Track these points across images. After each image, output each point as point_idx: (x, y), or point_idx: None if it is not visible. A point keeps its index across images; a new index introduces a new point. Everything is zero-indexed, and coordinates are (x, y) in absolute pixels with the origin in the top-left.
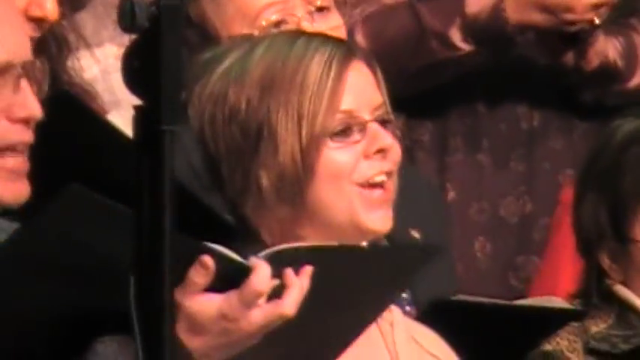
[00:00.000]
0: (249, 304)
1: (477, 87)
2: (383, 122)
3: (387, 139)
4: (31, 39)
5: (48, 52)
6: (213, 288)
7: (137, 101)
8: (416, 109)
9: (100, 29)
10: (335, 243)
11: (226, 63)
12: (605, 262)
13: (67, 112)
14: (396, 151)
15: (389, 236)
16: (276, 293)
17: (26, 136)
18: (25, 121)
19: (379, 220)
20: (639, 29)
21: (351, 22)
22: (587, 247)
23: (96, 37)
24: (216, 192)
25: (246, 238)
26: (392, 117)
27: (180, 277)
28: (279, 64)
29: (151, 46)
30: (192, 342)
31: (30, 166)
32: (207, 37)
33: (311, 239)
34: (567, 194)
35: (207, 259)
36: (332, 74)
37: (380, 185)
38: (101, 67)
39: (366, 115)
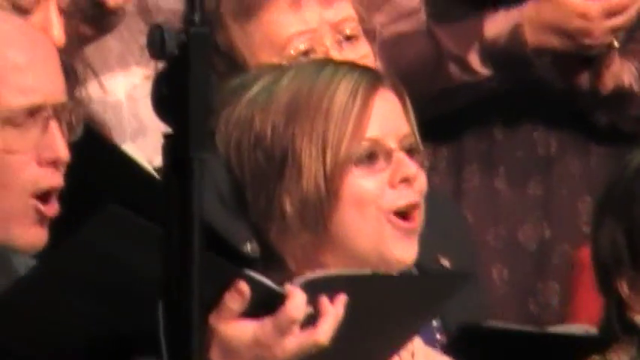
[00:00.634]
0: (283, 331)
1: (493, 112)
2: (410, 151)
3: (412, 168)
4: None
5: None
6: (247, 314)
7: (164, 128)
8: (432, 134)
9: (126, 54)
10: (367, 271)
11: (254, 90)
12: (624, 291)
13: (88, 144)
14: (421, 181)
15: (418, 264)
16: (309, 321)
17: (55, 181)
18: (54, 164)
19: (405, 249)
20: None
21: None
22: (605, 277)
23: (122, 62)
24: (242, 219)
25: (271, 265)
26: (420, 147)
27: (215, 301)
28: (305, 91)
29: (180, 74)
30: None
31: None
32: (235, 65)
33: (334, 266)
34: (584, 253)
35: (243, 285)
36: (358, 102)
37: (407, 214)
38: (127, 93)
39: (392, 144)
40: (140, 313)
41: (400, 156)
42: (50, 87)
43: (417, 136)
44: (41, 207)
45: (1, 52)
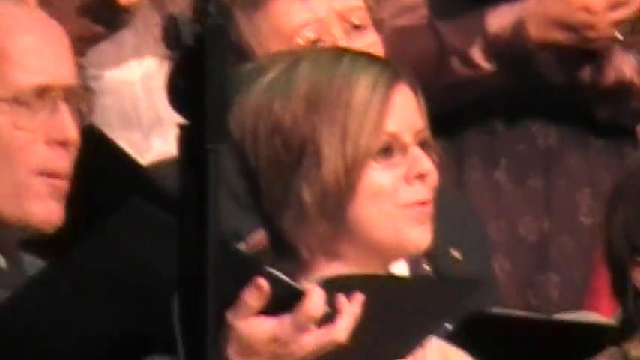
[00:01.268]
0: (301, 328)
1: (494, 105)
2: (424, 146)
3: (428, 164)
4: None
5: None
6: (265, 311)
7: (180, 119)
8: (432, 128)
9: (141, 47)
10: (384, 272)
11: (270, 75)
12: (638, 278)
13: (95, 146)
14: (433, 177)
15: (430, 254)
16: (326, 320)
17: (65, 162)
18: (63, 145)
19: (421, 234)
20: None
21: None
22: (619, 267)
23: (137, 54)
24: (252, 209)
25: (283, 253)
26: (432, 141)
27: (234, 297)
28: (325, 81)
29: (196, 65)
30: None
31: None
32: (243, 56)
33: (350, 256)
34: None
35: (263, 282)
36: (378, 95)
37: (421, 204)
38: (143, 84)
39: (408, 139)
40: (158, 310)
41: (416, 151)
42: (60, 69)
43: (429, 131)
44: (50, 181)
45: (12, 34)
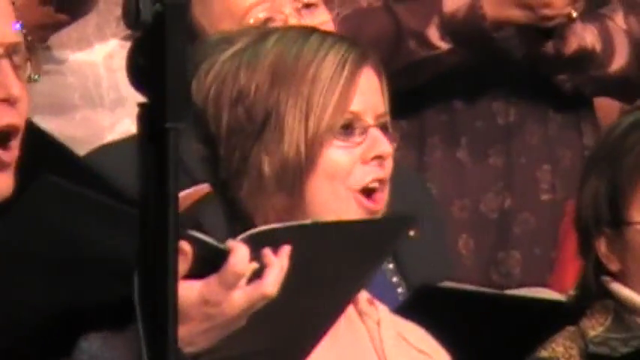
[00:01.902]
0: (229, 286)
1: (453, 84)
2: (383, 130)
3: (386, 146)
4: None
5: None
6: (192, 274)
7: (142, 98)
8: (392, 108)
9: (103, 26)
10: (309, 220)
11: (238, 46)
12: (602, 250)
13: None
14: (390, 161)
15: None
16: (257, 275)
17: (10, 118)
18: (7, 102)
19: None
20: (612, 17)
21: None
22: (585, 237)
23: (99, 34)
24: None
25: (237, 222)
26: (391, 128)
27: None
28: (292, 55)
29: (156, 44)
30: None
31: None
32: (194, 36)
33: None
34: (571, 206)
35: (185, 245)
36: (345, 73)
37: (372, 192)
38: (105, 64)
39: (370, 120)
40: (90, 283)
41: (376, 132)
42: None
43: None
44: None
45: None
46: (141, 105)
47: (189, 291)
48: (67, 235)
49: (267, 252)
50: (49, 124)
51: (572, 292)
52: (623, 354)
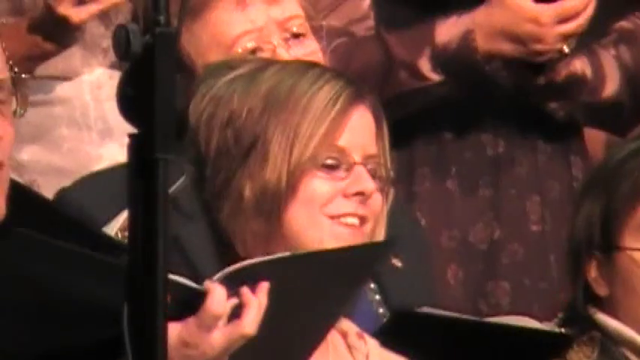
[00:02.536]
0: (208, 328)
1: (442, 115)
2: (372, 172)
3: (370, 184)
4: None
5: None
6: (170, 317)
7: (130, 129)
8: None
9: (89, 58)
10: (286, 253)
11: (237, 72)
12: (592, 274)
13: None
14: (376, 201)
15: None
16: (236, 314)
17: None
18: None
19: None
20: (600, 44)
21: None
22: (575, 261)
23: (85, 65)
24: (196, 219)
25: (219, 244)
26: (385, 174)
27: None
28: (288, 84)
29: (146, 74)
30: None
31: None
32: (182, 66)
33: None
34: None
35: None
36: (337, 107)
37: (351, 226)
38: (93, 94)
39: (357, 158)
40: (60, 327)
41: (361, 170)
42: None
43: (387, 165)
44: None
45: None
46: (131, 135)
47: (168, 333)
48: (37, 283)
49: (244, 291)
50: (36, 154)
51: (557, 319)
52: None
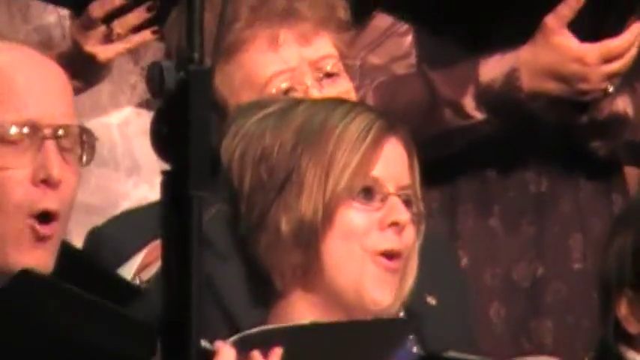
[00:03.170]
0: None
1: (485, 152)
2: (406, 203)
3: (405, 215)
4: None
5: None
6: None
7: (159, 165)
8: (424, 176)
9: (117, 94)
10: (306, 321)
11: (268, 110)
12: (622, 312)
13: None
14: (409, 234)
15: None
16: None
17: (50, 201)
18: (47, 183)
19: (381, 292)
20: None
21: (362, 91)
22: (605, 298)
23: (113, 101)
24: (229, 259)
25: (255, 280)
26: (417, 206)
27: None
28: (320, 118)
29: (180, 111)
30: None
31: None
32: (215, 106)
33: (321, 289)
34: None
35: None
36: (370, 137)
37: (390, 257)
38: (120, 131)
39: (391, 188)
40: None
41: (395, 201)
42: (50, 108)
43: (418, 196)
44: (37, 226)
45: (6, 74)
46: (164, 172)
47: None
48: (47, 329)
49: (255, 354)
50: None
51: (588, 358)
52: None
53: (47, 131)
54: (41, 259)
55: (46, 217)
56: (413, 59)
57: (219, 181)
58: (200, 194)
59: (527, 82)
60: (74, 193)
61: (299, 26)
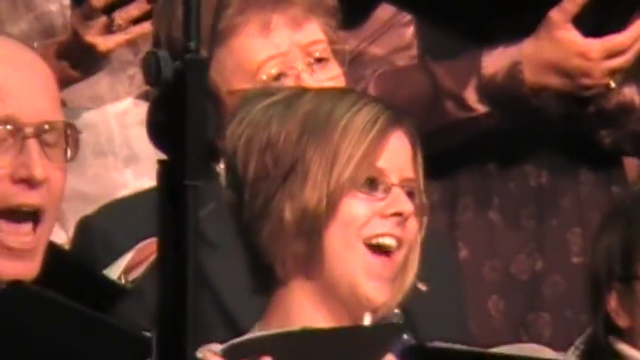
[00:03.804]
0: None
1: (486, 145)
2: (409, 195)
3: (408, 206)
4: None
5: None
6: None
7: (156, 155)
8: (424, 168)
9: (116, 84)
10: (297, 328)
11: (275, 98)
12: (612, 305)
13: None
14: (412, 225)
15: None
16: None
17: (29, 198)
18: (27, 182)
19: (375, 289)
20: None
21: (363, 82)
22: (595, 292)
23: (112, 92)
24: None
25: (258, 269)
26: (420, 199)
27: None
28: (326, 108)
29: (176, 100)
30: None
31: None
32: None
33: (321, 279)
34: None
35: None
36: (376, 128)
37: (386, 252)
38: (118, 121)
39: (395, 180)
40: None
41: (398, 192)
42: (32, 105)
43: (421, 189)
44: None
45: None
46: (160, 162)
47: None
48: (36, 341)
49: None
50: None
51: (575, 348)
52: None
53: (29, 130)
54: (22, 271)
55: (27, 214)
56: (415, 51)
57: (224, 168)
58: (196, 183)
59: (530, 75)
60: (62, 190)
61: (290, 11)
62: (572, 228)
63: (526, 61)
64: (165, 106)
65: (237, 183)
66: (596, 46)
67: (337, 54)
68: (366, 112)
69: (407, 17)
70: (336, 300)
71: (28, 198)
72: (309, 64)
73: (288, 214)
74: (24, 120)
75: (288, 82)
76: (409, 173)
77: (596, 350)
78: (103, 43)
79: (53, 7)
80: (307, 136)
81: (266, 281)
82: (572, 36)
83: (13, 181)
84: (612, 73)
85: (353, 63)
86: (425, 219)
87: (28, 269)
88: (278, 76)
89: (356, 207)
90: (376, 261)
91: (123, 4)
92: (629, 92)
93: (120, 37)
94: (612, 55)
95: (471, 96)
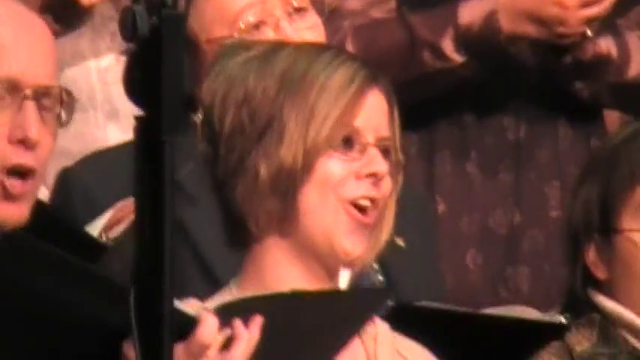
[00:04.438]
0: (196, 356)
1: (463, 98)
2: (384, 153)
3: (383, 166)
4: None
5: None
6: None
7: (137, 111)
8: (402, 121)
9: (97, 40)
10: (286, 291)
11: (252, 52)
12: (591, 257)
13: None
14: (387, 184)
15: None
16: (229, 345)
17: (24, 159)
18: (23, 143)
19: (354, 243)
20: (627, 26)
21: (341, 33)
22: (574, 244)
23: (93, 48)
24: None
25: (232, 225)
26: (396, 158)
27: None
28: (303, 65)
29: (153, 56)
30: None
31: None
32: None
33: (295, 236)
34: None
35: None
36: (353, 87)
37: (364, 210)
38: (99, 78)
39: (371, 139)
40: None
41: (374, 152)
42: (33, 68)
43: (397, 147)
44: (6, 181)
45: None
46: (137, 118)
47: None
48: (27, 290)
49: (237, 323)
50: None
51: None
52: None
53: (28, 91)
54: (13, 215)
55: (19, 173)
56: (392, 4)
57: (200, 121)
58: (173, 139)
59: (506, 24)
60: (50, 154)
61: None
62: (551, 181)
63: (502, 9)
64: (141, 62)
65: (212, 137)
66: None
67: (315, 3)
68: (343, 70)
69: None
70: (312, 255)
71: (21, 158)
72: (288, 13)
73: (263, 171)
74: (25, 81)
75: (267, 30)
76: (385, 132)
77: (575, 303)
78: None
79: None
80: (284, 94)
81: (240, 237)
82: None
83: (10, 142)
84: (588, 21)
85: (330, 16)
86: (400, 177)
87: (19, 215)
88: (257, 25)
89: (332, 166)
90: (351, 218)
91: None
92: (605, 44)
93: None
94: (588, 3)
95: (447, 46)
